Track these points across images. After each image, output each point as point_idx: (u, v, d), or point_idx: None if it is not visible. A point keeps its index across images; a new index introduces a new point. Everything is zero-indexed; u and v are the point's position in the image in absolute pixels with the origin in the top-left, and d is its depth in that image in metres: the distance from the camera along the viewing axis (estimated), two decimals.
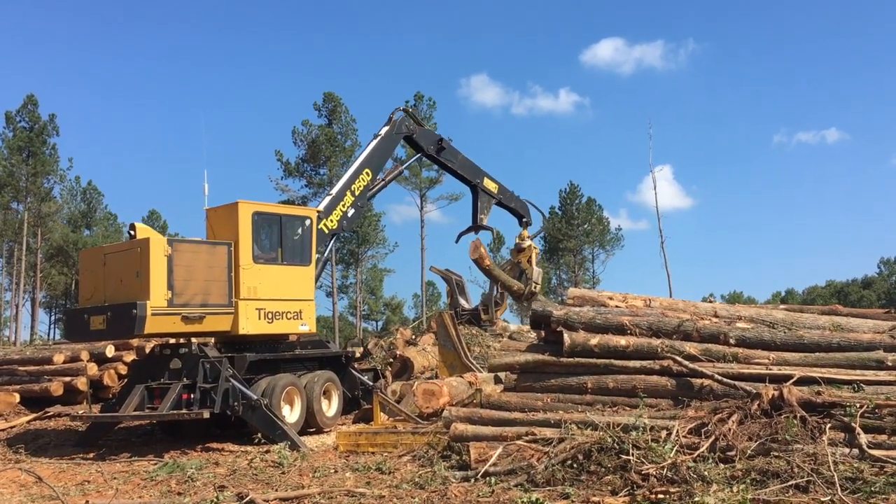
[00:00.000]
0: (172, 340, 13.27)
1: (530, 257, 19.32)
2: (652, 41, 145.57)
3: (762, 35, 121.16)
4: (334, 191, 14.98)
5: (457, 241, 19.06)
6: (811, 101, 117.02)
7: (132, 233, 12.38)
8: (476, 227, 18.54)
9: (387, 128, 15.81)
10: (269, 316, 13.15)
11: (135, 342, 16.82)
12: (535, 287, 19.05)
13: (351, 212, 14.82)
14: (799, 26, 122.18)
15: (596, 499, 6.88)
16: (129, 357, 16.92)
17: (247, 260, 12.86)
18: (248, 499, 7.41)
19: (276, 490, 8.35)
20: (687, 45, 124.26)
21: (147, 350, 15.08)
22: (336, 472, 9.24)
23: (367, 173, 15.20)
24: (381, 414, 12.47)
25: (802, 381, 8.38)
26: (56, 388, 16.19)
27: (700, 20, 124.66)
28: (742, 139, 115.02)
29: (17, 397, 16.27)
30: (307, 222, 14.06)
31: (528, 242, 19.36)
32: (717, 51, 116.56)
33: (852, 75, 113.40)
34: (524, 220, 19.29)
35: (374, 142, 15.72)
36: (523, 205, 19.14)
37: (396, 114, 16.10)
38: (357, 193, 14.98)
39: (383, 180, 15.82)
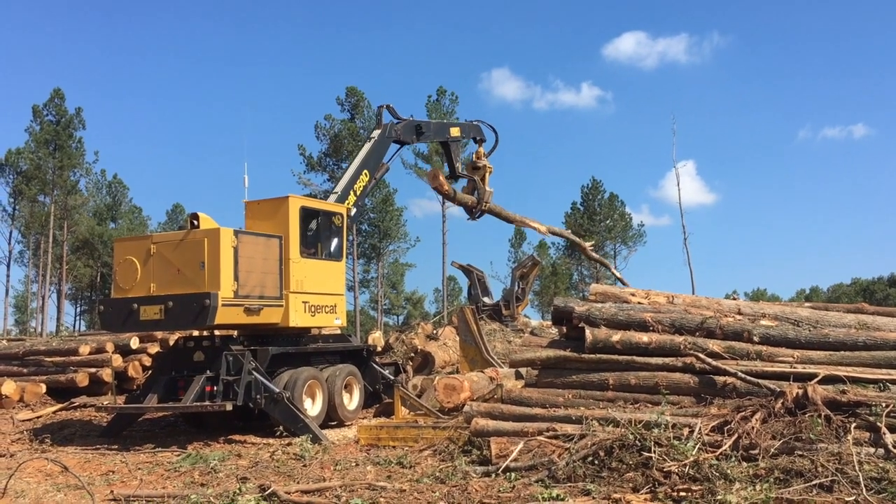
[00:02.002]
0: (196, 333, 13.38)
1: (484, 176, 19.62)
2: (675, 35, 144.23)
3: (787, 28, 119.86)
4: (339, 189, 15.24)
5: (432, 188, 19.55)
6: (838, 95, 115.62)
7: (195, 222, 12.27)
8: (454, 175, 19.10)
9: (378, 131, 16.31)
10: (312, 309, 13.43)
11: (159, 335, 17.00)
12: (485, 206, 19.41)
13: (353, 211, 15.11)
14: (825, 19, 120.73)
15: (617, 495, 6.85)
16: (154, 349, 17.12)
17: (295, 254, 13.12)
18: (270, 490, 7.45)
19: (298, 482, 8.39)
20: (711, 38, 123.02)
21: (171, 342, 15.24)
22: (357, 465, 9.27)
23: (365, 174, 15.59)
24: (402, 408, 12.50)
25: (827, 380, 8.29)
26: (82, 378, 16.41)
27: (724, 13, 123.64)
28: (767, 134, 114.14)
29: (44, 388, 16.49)
30: (340, 219, 14.31)
31: (483, 161, 19.66)
32: (741, 44, 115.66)
33: (880, 69, 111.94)
34: (478, 139, 19.83)
35: (369, 144, 16.19)
36: (477, 128, 19.73)
37: (384, 114, 16.59)
38: (358, 193, 15.38)
39: (374, 179, 16.27)
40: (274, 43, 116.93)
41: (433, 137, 18.38)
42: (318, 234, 14.02)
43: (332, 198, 15.12)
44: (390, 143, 16.52)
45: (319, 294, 13.59)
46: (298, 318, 13.12)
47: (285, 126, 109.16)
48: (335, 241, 14.27)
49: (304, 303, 13.25)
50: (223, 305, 11.69)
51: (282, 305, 12.85)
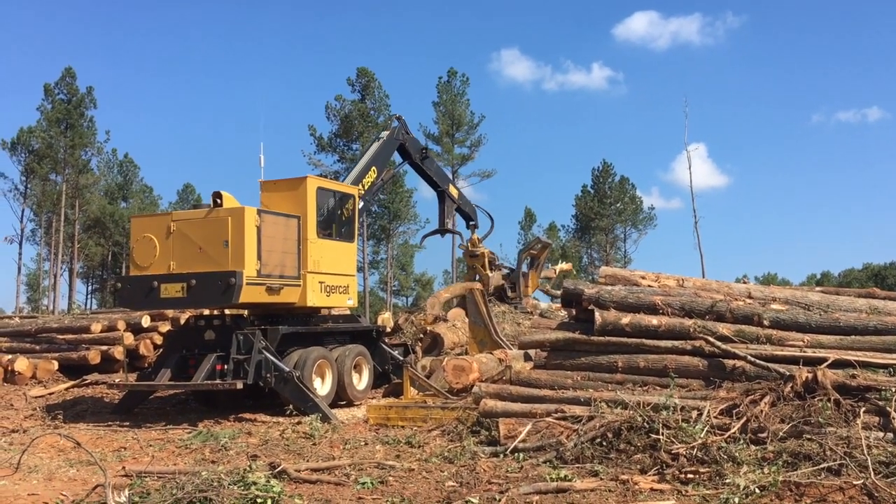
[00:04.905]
0: (207, 312, 13.44)
1: (484, 263, 20.28)
2: (688, 14, 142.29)
3: (802, 9, 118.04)
4: (348, 182, 15.33)
5: (421, 243, 20.35)
6: (852, 78, 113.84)
7: (219, 201, 12.28)
8: (442, 230, 19.84)
9: (387, 132, 16.94)
10: (327, 289, 13.55)
11: (170, 313, 17.09)
12: (490, 290, 19.93)
13: (360, 204, 15.23)
14: (839, 1, 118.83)
15: (625, 477, 6.88)
16: (165, 327, 17.21)
17: (313, 234, 13.22)
18: (279, 468, 7.51)
19: (308, 461, 8.46)
20: (725, 18, 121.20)
21: (182, 321, 15.34)
22: (366, 444, 9.34)
23: (373, 171, 15.93)
24: (411, 389, 12.55)
25: (837, 364, 8.27)
26: (93, 356, 16.53)
27: None
28: (780, 117, 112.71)
29: (56, 365, 16.62)
30: (353, 200, 14.40)
31: (480, 248, 20.39)
32: (755, 25, 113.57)
33: (895, 52, 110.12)
34: (472, 222, 20.58)
35: (377, 143, 16.78)
36: (473, 209, 20.54)
37: (393, 121, 17.36)
38: (366, 188, 15.66)
39: (381, 179, 16.68)
40: (285, 23, 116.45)
41: (434, 173, 18.90)
42: (332, 214, 14.08)
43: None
44: (396, 145, 17.10)
45: (334, 274, 13.69)
46: (315, 298, 13.22)
47: (296, 106, 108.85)
48: (348, 222, 14.35)
49: (321, 283, 13.35)
50: (247, 284, 11.75)
51: (300, 285, 12.92)
